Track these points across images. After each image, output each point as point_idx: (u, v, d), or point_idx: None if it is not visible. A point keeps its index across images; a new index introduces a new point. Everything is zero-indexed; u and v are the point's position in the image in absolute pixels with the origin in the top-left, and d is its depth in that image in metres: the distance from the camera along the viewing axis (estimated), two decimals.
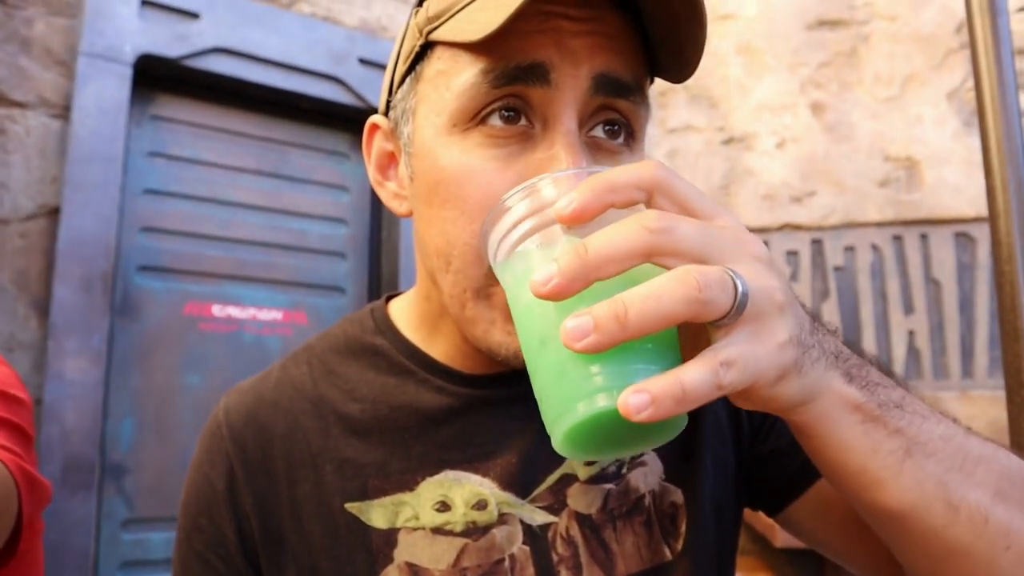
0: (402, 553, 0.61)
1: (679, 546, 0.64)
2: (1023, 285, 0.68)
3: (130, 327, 2.24)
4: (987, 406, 2.97)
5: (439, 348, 0.66)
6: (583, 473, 0.64)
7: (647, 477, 0.66)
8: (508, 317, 0.54)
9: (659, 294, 0.35)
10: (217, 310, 2.38)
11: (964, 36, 3.11)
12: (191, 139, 2.41)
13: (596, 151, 0.56)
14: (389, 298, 0.74)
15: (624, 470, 0.65)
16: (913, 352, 3.06)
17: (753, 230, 3.25)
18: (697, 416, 0.67)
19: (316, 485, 0.63)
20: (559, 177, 0.44)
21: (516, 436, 0.64)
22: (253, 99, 2.50)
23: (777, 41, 3.25)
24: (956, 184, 3.09)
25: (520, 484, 0.63)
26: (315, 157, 2.58)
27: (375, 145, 0.67)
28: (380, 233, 2.68)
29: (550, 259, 0.40)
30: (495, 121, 0.54)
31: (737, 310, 0.37)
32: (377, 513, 0.62)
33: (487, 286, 0.55)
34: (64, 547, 1.98)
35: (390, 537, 0.61)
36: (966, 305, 3.07)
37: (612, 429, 0.40)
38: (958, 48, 3.16)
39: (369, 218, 2.70)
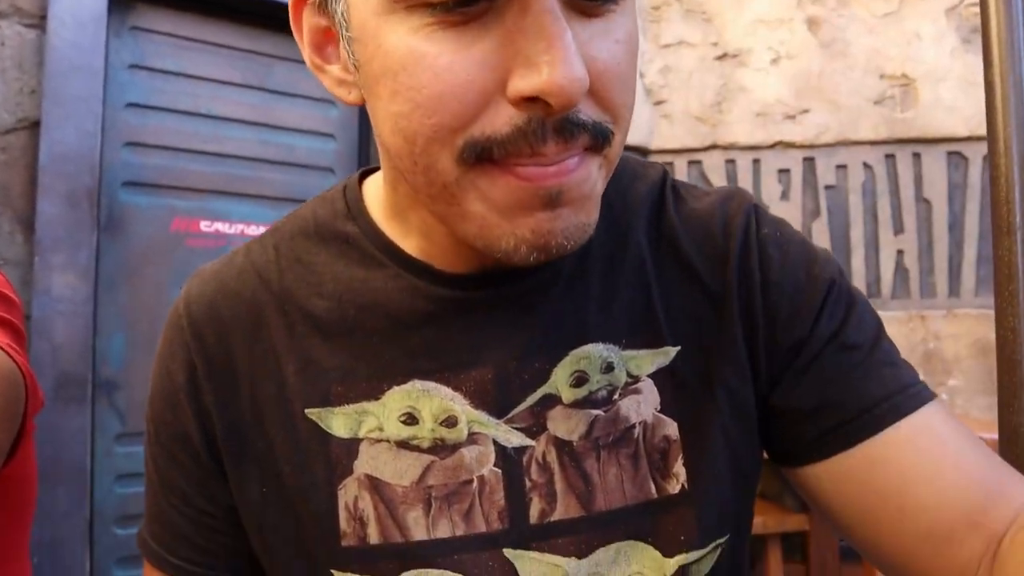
0: (363, 465, 0.57)
1: (676, 486, 0.58)
2: (1018, 178, 0.67)
3: (117, 243, 2.22)
4: (973, 325, 3.00)
5: (412, 242, 0.59)
6: (568, 395, 0.58)
7: (640, 407, 0.59)
8: (503, 209, 0.47)
9: None
10: (205, 226, 2.36)
11: None
12: (173, 51, 2.34)
13: (579, 14, 0.45)
14: (365, 174, 0.66)
15: (616, 396, 0.59)
16: (901, 271, 3.08)
17: (745, 148, 3.24)
18: (707, 346, 0.60)
19: (278, 387, 0.59)
20: None
21: (494, 348, 0.58)
22: (235, 9, 2.42)
23: None
24: (952, 103, 3.06)
25: (495, 402, 0.57)
26: (301, 70, 2.50)
27: (305, 23, 0.55)
28: (368, 148, 2.64)
29: None
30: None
31: None
32: (339, 421, 0.58)
33: (464, 176, 0.47)
34: (60, 460, 2.01)
35: (351, 447, 0.57)
36: (955, 225, 3.08)
37: None
38: None
39: (357, 133, 2.66)
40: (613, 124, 0.48)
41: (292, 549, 0.58)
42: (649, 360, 0.60)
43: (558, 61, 0.42)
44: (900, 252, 3.08)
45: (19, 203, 2.00)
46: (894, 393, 0.57)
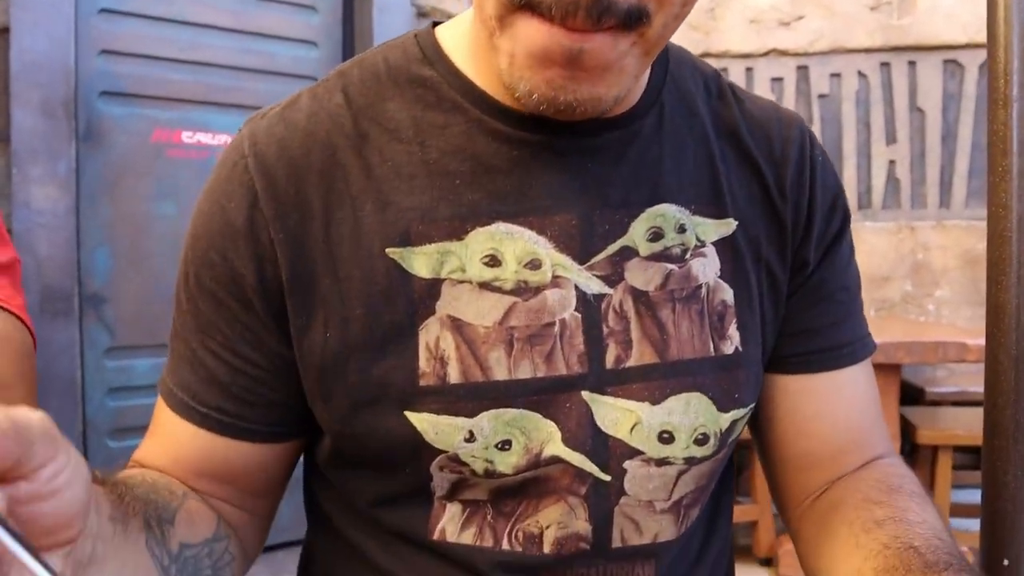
0: (445, 306, 0.57)
1: (731, 347, 0.62)
2: (1017, 48, 0.65)
3: (96, 154, 2.18)
4: (962, 236, 3.01)
5: (495, 84, 0.59)
6: (644, 249, 0.60)
7: (705, 268, 0.62)
8: (528, 54, 0.49)
9: None
10: (186, 137, 2.31)
11: None
12: None
13: None
14: (435, 24, 0.65)
15: (688, 256, 0.61)
16: (892, 182, 3.06)
17: (738, 56, 3.18)
18: (760, 229, 0.64)
19: (355, 226, 0.58)
20: None
21: (579, 194, 0.59)
22: None
23: None
24: (950, 9, 2.99)
25: (578, 248, 0.59)
26: None
27: None
28: (352, 56, 2.58)
29: None
30: None
31: None
32: (420, 261, 0.57)
33: (507, 14, 0.49)
34: (50, 374, 2.01)
35: (433, 287, 0.57)
36: (948, 136, 3.05)
37: None
38: None
39: (341, 40, 2.59)
40: (654, 5, 0.48)
41: (359, 392, 0.58)
42: (713, 229, 0.63)
43: None
44: (892, 163, 3.06)
45: None
46: (857, 339, 0.68)
